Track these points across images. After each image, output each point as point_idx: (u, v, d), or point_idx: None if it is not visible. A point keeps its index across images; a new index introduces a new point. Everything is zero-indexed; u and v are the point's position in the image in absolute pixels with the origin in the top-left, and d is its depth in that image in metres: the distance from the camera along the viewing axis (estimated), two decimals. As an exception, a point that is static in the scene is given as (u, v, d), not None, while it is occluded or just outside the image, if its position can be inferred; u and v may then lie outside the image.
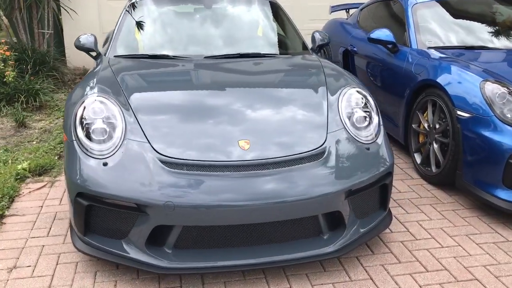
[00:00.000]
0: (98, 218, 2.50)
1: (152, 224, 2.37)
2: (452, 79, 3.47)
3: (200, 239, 2.46)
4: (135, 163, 2.47)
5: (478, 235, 3.01)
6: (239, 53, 3.60)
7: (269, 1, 4.23)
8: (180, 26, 3.92)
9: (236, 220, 2.39)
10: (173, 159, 2.45)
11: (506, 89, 3.20)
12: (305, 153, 2.56)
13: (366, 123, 2.86)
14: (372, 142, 2.78)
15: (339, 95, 2.96)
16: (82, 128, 2.62)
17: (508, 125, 3.08)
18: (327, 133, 2.70)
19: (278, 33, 4.05)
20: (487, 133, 3.13)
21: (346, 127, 2.78)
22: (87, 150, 2.54)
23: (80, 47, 3.74)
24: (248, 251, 2.49)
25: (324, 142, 2.64)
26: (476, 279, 2.57)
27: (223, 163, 2.45)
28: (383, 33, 4.32)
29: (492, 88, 3.22)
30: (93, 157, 2.51)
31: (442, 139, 3.53)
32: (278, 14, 4.20)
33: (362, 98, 2.97)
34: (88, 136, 2.59)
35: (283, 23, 4.15)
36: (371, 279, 2.56)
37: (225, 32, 3.85)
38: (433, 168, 3.66)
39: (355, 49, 5.15)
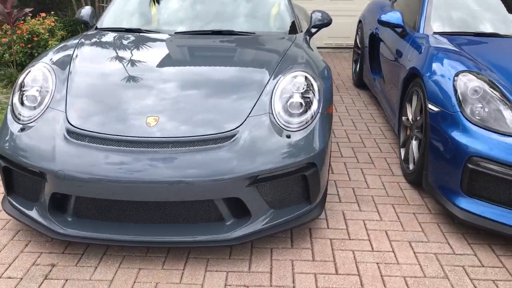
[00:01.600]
0: (15, 180, 2.64)
1: (50, 191, 2.44)
2: (432, 68, 3.11)
3: (101, 211, 2.49)
4: (46, 131, 2.55)
5: (423, 243, 2.70)
6: (211, 30, 3.53)
7: None
8: (169, 2, 3.92)
9: (128, 196, 2.38)
10: (78, 129, 2.50)
11: (486, 84, 2.79)
12: (211, 135, 2.46)
13: (302, 109, 2.67)
14: (299, 130, 2.59)
15: (280, 79, 2.79)
16: (19, 94, 2.77)
17: (474, 124, 2.70)
18: (247, 117, 2.57)
19: (265, 12, 3.89)
20: (450, 131, 2.77)
21: (273, 112, 2.62)
22: (15, 115, 2.69)
23: (79, 19, 3.91)
24: (148, 228, 2.48)
25: (238, 126, 2.51)
26: (385, 290, 2.33)
27: (122, 138, 2.44)
28: (393, 16, 3.97)
29: (466, 81, 2.83)
30: (18, 123, 2.64)
31: (419, 134, 3.20)
32: None
33: (306, 84, 2.77)
34: (21, 101, 2.74)
35: (276, 1, 3.97)
36: (270, 273, 2.43)
37: (208, 8, 3.79)
38: (410, 166, 3.33)
39: (378, 32, 4.79)
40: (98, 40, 3.41)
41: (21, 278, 2.37)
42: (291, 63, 2.99)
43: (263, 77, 2.84)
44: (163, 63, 3.09)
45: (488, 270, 2.48)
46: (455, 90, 2.83)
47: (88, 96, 2.74)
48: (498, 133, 2.63)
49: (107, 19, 3.77)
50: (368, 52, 5.11)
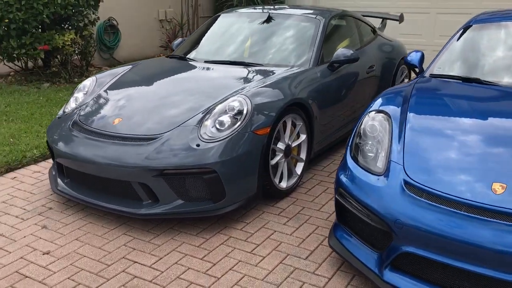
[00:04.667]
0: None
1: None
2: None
3: (78, 178, 3.59)
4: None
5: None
6: (230, 61, 4.33)
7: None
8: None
9: (87, 170, 3.42)
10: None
11: (386, 122, 2.92)
12: (142, 136, 3.33)
13: (226, 126, 3.30)
14: (212, 142, 3.23)
15: (222, 100, 3.46)
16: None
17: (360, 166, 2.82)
18: (178, 126, 3.35)
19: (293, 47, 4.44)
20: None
21: (200, 126, 3.32)
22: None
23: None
24: (103, 195, 3.45)
25: (165, 133, 3.30)
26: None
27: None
28: (415, 57, 4.07)
29: (369, 119, 3.01)
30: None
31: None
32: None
33: (239, 107, 3.37)
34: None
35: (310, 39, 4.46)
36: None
37: (255, 42, 4.55)
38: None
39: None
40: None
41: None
42: (249, 86, 3.62)
43: (216, 99, 3.54)
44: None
45: None
46: (360, 127, 3.03)
47: None
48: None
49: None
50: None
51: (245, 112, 3.36)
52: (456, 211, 2.30)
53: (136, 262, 2.98)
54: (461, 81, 3.45)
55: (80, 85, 4.16)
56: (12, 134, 5.02)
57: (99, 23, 8.79)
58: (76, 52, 7.97)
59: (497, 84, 3.30)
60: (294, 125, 3.83)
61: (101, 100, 3.88)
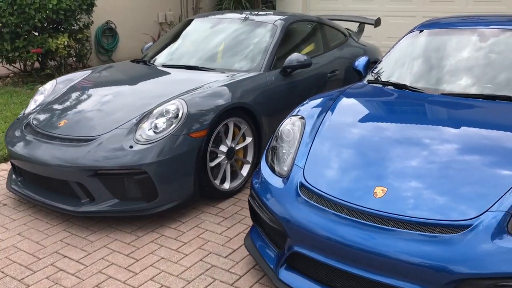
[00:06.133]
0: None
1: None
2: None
3: (28, 177, 3.80)
4: None
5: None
6: (185, 65, 4.49)
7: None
8: None
9: (34, 170, 3.62)
10: None
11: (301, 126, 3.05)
12: (81, 137, 3.51)
13: (160, 129, 3.46)
14: (147, 144, 3.39)
15: (162, 103, 3.62)
16: None
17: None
18: (116, 128, 3.52)
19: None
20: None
21: (136, 129, 3.48)
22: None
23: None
24: (48, 193, 3.65)
25: (102, 134, 3.48)
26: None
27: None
28: (360, 62, 4.16)
29: (287, 123, 3.13)
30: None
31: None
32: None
33: (175, 110, 3.53)
34: None
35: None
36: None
37: (212, 47, 4.73)
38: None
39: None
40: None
41: None
42: (192, 89, 3.79)
43: (152, 105, 3.69)
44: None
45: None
46: (279, 130, 3.15)
47: None
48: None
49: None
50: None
51: (180, 115, 3.51)
52: (337, 213, 2.40)
53: (66, 257, 3.16)
54: (392, 87, 3.53)
55: (41, 88, 4.37)
56: (-11, 134, 5.29)
57: (97, 26, 9.08)
58: (73, 54, 8.28)
59: (422, 91, 3.36)
60: (240, 128, 3.97)
61: (55, 103, 4.08)
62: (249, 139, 4.06)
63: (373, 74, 3.79)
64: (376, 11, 8.18)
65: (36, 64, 8.27)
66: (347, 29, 6.18)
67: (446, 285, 2.12)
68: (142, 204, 3.42)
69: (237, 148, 3.97)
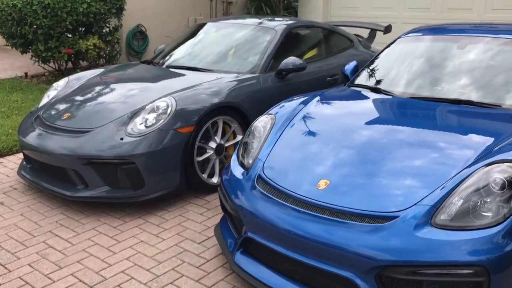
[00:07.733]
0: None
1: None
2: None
3: (36, 165, 4.17)
4: None
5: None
6: (187, 66, 4.77)
7: None
8: None
9: (39, 158, 3.99)
10: None
11: (270, 124, 3.27)
12: (78, 129, 3.85)
13: (150, 124, 3.76)
14: (137, 137, 3.69)
15: (155, 100, 3.91)
16: None
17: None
18: (111, 121, 3.84)
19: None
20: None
21: (128, 122, 3.79)
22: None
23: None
24: (51, 179, 4.01)
25: (98, 127, 3.81)
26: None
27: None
28: (349, 67, 4.32)
29: (260, 121, 3.36)
30: None
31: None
32: None
33: (165, 107, 3.82)
34: None
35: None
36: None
37: (215, 50, 5.00)
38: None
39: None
40: None
41: None
42: (180, 88, 4.06)
43: (147, 101, 3.98)
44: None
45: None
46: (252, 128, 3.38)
47: None
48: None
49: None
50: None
51: (168, 111, 3.79)
52: (283, 202, 2.61)
53: (57, 236, 3.49)
54: (369, 91, 3.69)
55: (55, 84, 4.77)
56: (13, 126, 5.75)
57: (128, 29, 9.56)
58: (103, 56, 8.76)
59: (392, 94, 3.51)
60: (230, 126, 4.22)
61: (65, 98, 4.45)
62: (239, 137, 4.29)
63: (356, 78, 3.96)
64: (394, 18, 8.26)
65: (69, 64, 8.81)
66: (357, 35, 6.33)
67: (370, 270, 2.29)
68: (129, 192, 3.72)
69: (227, 145, 4.21)
